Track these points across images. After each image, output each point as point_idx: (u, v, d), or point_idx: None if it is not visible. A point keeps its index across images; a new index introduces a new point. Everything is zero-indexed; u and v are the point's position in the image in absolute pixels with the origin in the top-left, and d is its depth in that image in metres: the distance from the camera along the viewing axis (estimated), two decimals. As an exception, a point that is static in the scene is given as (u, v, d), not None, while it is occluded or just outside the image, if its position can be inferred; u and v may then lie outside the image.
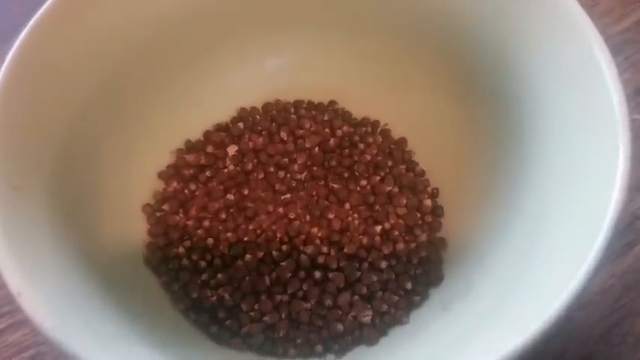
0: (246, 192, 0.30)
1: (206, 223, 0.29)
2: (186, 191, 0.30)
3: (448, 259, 0.28)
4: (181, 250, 0.28)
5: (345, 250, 0.28)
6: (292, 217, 0.29)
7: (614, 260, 0.30)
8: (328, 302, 0.27)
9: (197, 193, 0.30)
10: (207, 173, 0.31)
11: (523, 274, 0.21)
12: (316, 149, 0.31)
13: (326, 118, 0.32)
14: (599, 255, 0.18)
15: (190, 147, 0.32)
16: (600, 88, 0.21)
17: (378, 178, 0.30)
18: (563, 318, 0.18)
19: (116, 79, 0.27)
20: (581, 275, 0.18)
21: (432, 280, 0.28)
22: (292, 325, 0.27)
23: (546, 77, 0.23)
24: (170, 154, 0.31)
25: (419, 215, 0.29)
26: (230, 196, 0.30)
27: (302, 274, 0.28)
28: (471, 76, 0.28)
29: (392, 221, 0.29)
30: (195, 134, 0.32)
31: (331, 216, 0.29)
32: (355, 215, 0.29)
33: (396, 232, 0.29)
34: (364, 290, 0.27)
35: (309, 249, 0.28)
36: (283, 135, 0.32)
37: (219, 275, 0.27)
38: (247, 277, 0.27)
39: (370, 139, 0.31)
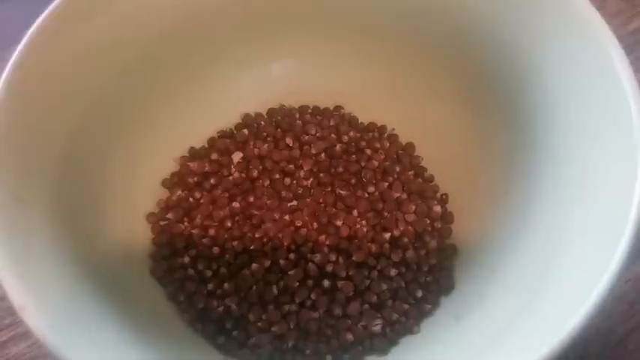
0: (251, 199, 0.29)
1: (211, 232, 0.28)
2: (190, 199, 0.30)
3: (459, 267, 0.28)
4: (187, 259, 0.28)
5: (354, 258, 0.27)
6: (299, 224, 0.28)
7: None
8: (337, 311, 0.26)
9: (202, 201, 0.30)
10: (212, 181, 0.30)
11: (539, 286, 0.21)
12: (322, 155, 0.31)
13: (332, 123, 0.32)
14: (621, 263, 0.18)
15: (194, 154, 0.31)
16: (617, 91, 0.20)
17: (386, 184, 0.30)
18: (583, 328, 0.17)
19: (119, 87, 0.27)
20: (603, 284, 0.17)
21: (443, 287, 0.27)
22: (301, 336, 0.26)
23: (560, 81, 0.23)
24: (174, 161, 0.31)
25: (428, 222, 0.29)
26: (235, 204, 0.29)
27: (310, 282, 0.27)
28: (481, 82, 0.28)
29: (401, 228, 0.28)
30: (199, 141, 0.31)
31: (339, 223, 0.28)
32: (363, 222, 0.29)
33: (406, 239, 0.28)
34: (374, 299, 0.27)
35: (317, 257, 0.27)
36: (289, 141, 0.31)
37: (226, 285, 0.27)
38: (254, 287, 0.27)
39: (377, 145, 0.31)
